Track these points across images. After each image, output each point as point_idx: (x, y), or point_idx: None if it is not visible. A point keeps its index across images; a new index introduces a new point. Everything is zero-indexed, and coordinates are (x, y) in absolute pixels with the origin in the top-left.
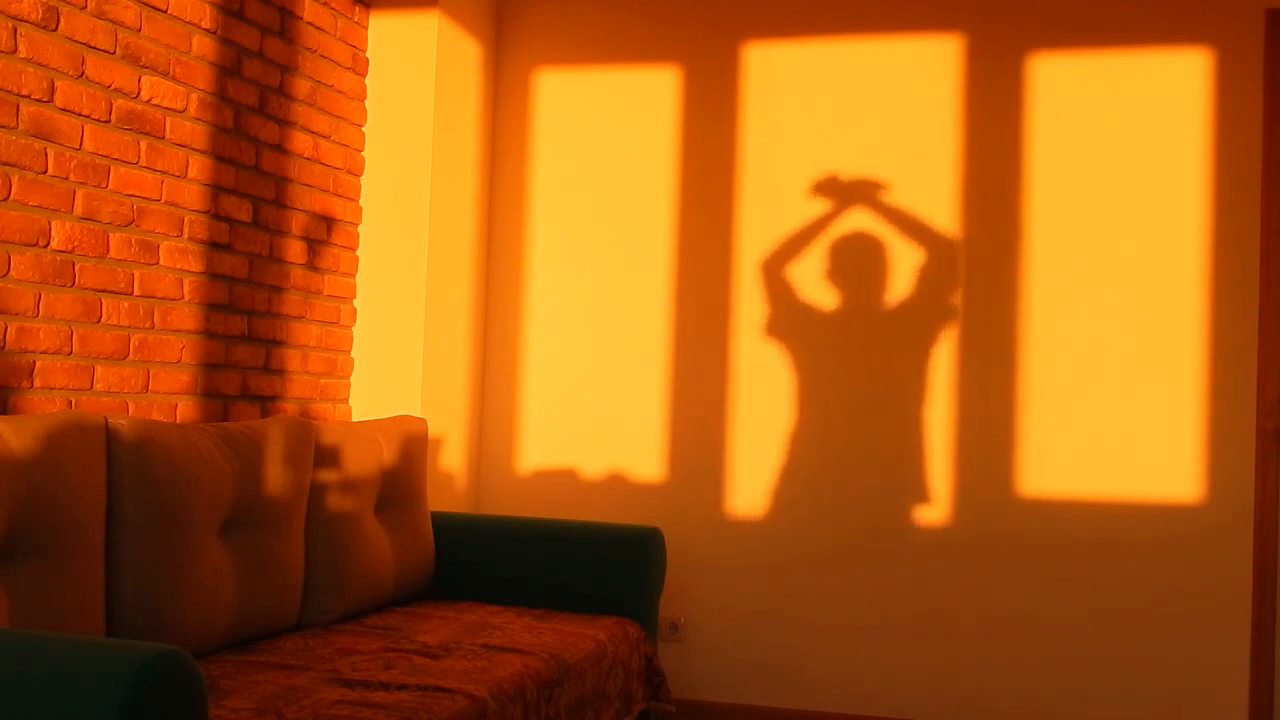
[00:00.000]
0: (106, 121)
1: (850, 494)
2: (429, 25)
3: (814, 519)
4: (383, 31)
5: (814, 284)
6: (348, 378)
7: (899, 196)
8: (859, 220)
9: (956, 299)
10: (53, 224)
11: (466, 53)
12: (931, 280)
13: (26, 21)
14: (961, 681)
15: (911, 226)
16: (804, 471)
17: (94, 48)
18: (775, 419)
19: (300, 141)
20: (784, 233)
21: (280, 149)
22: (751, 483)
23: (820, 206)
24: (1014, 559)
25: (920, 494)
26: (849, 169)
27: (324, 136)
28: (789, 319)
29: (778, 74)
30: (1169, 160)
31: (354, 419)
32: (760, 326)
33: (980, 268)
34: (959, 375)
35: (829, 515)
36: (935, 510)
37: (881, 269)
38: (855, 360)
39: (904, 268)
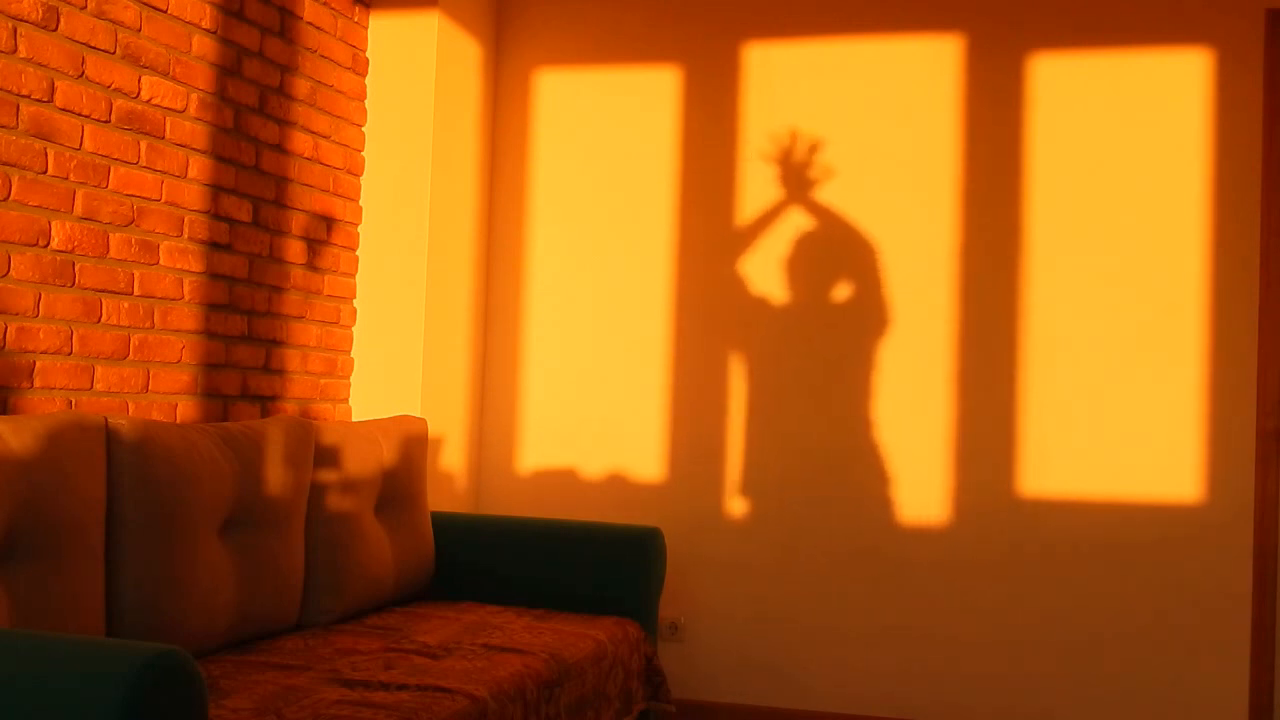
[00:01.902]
0: (106, 121)
1: (851, 494)
2: (429, 25)
3: (814, 519)
4: (383, 31)
5: (804, 285)
6: (348, 378)
7: (899, 197)
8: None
9: (947, 311)
10: (53, 224)
11: (466, 53)
12: (921, 278)
13: (26, 21)
14: (960, 681)
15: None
16: (805, 471)
17: (94, 48)
18: (776, 419)
19: (300, 141)
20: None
21: (280, 149)
22: (751, 483)
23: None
24: (1014, 559)
25: (921, 494)
26: (849, 168)
27: (324, 136)
28: (779, 307)
29: (778, 74)
30: (1169, 160)
31: (354, 419)
32: (754, 330)
33: (980, 267)
34: (960, 375)
35: (829, 515)
36: (935, 510)
37: (873, 264)
38: (853, 359)
39: (896, 263)
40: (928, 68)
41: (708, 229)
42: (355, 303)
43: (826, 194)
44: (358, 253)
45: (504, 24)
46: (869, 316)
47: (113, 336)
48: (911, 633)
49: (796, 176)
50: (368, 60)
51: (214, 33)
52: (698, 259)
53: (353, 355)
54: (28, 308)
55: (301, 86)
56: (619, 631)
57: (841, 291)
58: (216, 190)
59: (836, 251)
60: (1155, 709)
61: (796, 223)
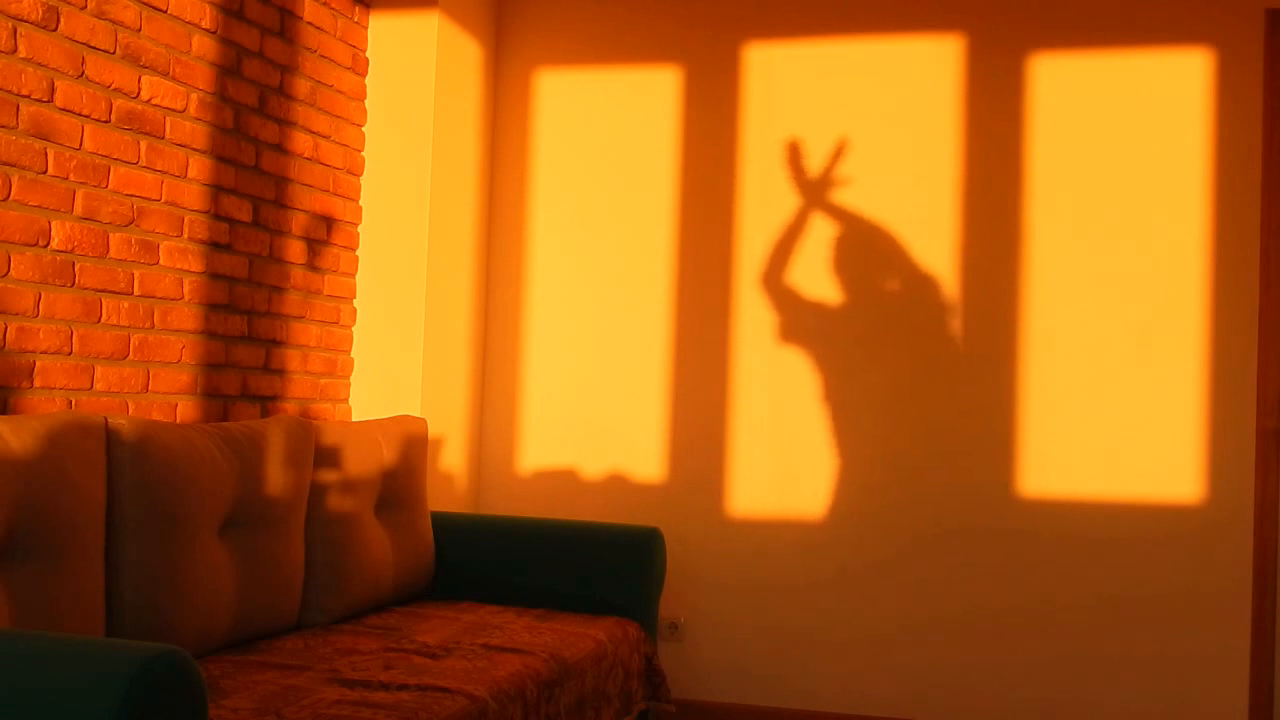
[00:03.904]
0: (106, 121)
1: (850, 494)
2: (429, 25)
3: (813, 519)
4: (383, 31)
5: (807, 285)
6: (348, 378)
7: (900, 197)
8: (839, 218)
9: (944, 294)
10: (53, 224)
11: (466, 53)
12: (922, 278)
13: (26, 21)
14: (961, 681)
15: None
16: (804, 472)
17: (94, 48)
18: (775, 418)
19: (300, 141)
20: (770, 241)
21: (280, 149)
22: (751, 483)
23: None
24: (1014, 559)
25: (920, 493)
26: (849, 169)
27: (324, 136)
28: (794, 323)
29: (778, 74)
30: (1169, 160)
31: (354, 419)
32: (772, 334)
33: (980, 267)
34: (960, 376)
35: (828, 515)
36: (935, 510)
37: (874, 264)
38: (854, 360)
39: (896, 263)
40: (928, 68)
41: (708, 229)
42: (355, 303)
43: (829, 194)
44: (358, 253)
45: (504, 24)
46: (868, 316)
47: (113, 336)
48: (911, 633)
49: (815, 180)
50: (368, 60)
51: (214, 33)
52: (698, 259)
53: (353, 355)
54: (28, 308)
55: (301, 86)
56: (619, 631)
57: (841, 291)
58: (216, 190)
59: (836, 252)
60: (1155, 709)
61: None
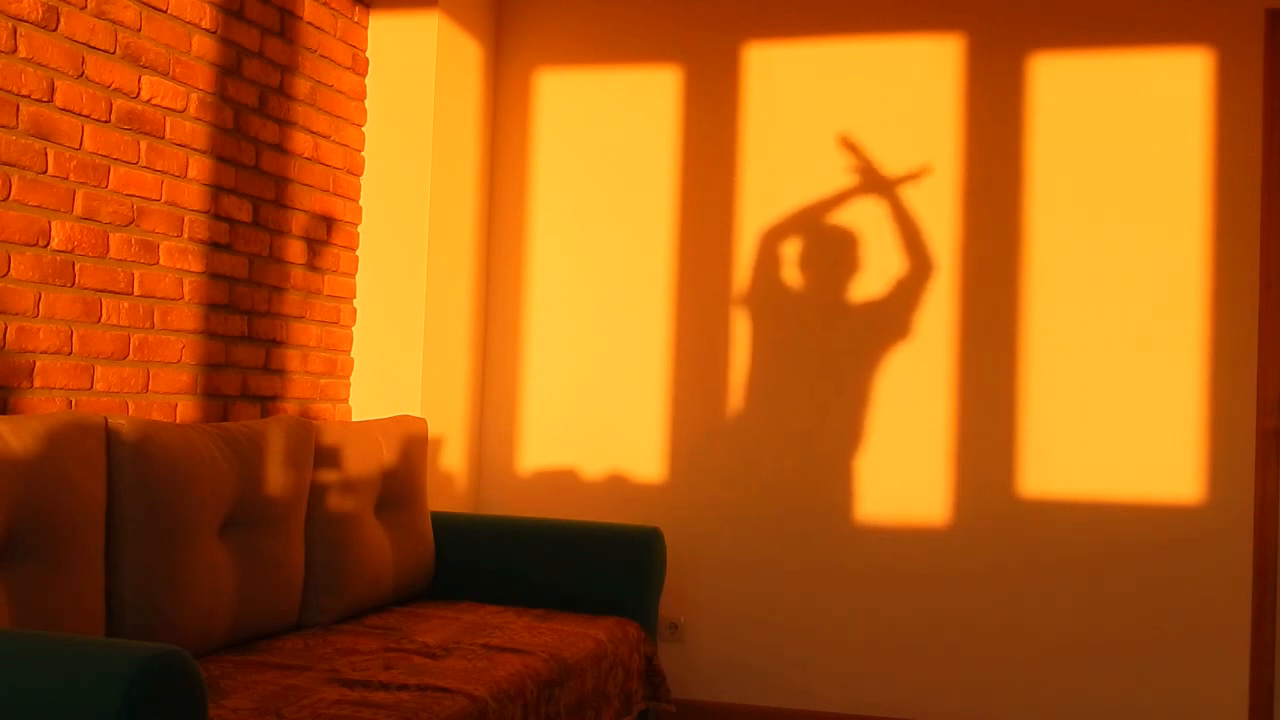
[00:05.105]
0: (106, 121)
1: (852, 494)
2: (429, 25)
3: (815, 519)
4: (383, 31)
5: (816, 274)
6: (348, 378)
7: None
8: (865, 208)
9: (947, 311)
10: (53, 224)
11: (466, 53)
12: (921, 287)
13: (26, 21)
14: (960, 681)
15: (909, 234)
16: (806, 471)
17: (94, 48)
18: (777, 419)
19: (300, 141)
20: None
21: (280, 149)
22: (752, 483)
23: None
24: (1013, 560)
25: (921, 494)
26: (848, 169)
27: (324, 136)
28: (780, 305)
29: (778, 74)
30: (1169, 160)
31: (354, 419)
32: (771, 332)
33: (980, 267)
34: (960, 375)
35: (830, 515)
36: (935, 511)
37: (866, 265)
38: (856, 362)
39: (887, 263)
40: (928, 68)
41: (708, 229)
42: (355, 303)
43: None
44: (358, 253)
45: (504, 24)
46: (869, 316)
47: (113, 336)
48: (911, 633)
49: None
50: (368, 60)
51: (214, 33)
52: (698, 259)
53: (353, 355)
54: (28, 308)
55: (301, 86)
56: (619, 631)
57: (843, 292)
58: (216, 190)
59: (837, 252)
60: (1156, 709)
61: (799, 223)
